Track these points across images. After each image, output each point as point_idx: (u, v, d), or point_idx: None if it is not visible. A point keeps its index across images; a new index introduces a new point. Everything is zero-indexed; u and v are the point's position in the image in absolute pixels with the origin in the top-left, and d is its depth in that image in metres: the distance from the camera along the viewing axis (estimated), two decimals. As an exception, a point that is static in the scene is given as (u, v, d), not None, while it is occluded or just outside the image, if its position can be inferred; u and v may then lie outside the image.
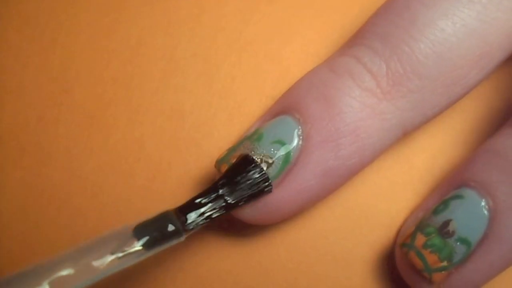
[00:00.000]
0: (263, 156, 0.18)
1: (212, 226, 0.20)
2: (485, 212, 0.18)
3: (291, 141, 0.18)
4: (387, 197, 0.21)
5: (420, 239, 0.18)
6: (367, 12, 0.21)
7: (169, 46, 0.21)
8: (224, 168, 0.18)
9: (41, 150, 0.20)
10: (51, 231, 0.20)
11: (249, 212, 0.18)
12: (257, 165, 0.18)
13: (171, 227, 0.16)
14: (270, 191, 0.18)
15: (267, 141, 0.18)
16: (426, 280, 0.18)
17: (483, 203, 0.18)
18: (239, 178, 0.17)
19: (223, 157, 0.18)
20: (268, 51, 0.21)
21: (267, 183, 0.18)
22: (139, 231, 0.16)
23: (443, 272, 0.18)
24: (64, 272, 0.15)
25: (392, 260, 0.20)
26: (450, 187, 0.19)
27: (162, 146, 0.20)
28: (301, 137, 0.18)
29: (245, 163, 0.18)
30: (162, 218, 0.16)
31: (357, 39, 0.19)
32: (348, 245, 0.20)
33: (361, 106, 0.18)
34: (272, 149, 0.18)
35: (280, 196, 0.18)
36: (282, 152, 0.18)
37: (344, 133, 0.18)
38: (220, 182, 0.17)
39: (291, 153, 0.18)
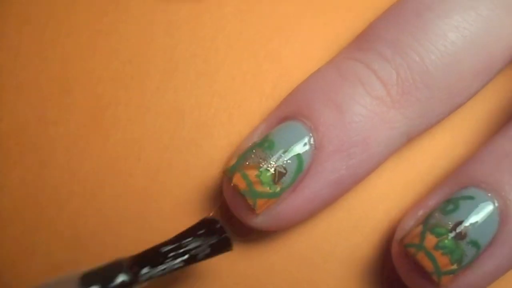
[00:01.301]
0: (276, 166, 0.18)
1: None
2: (496, 215, 0.18)
3: (305, 152, 0.18)
4: (387, 198, 0.21)
5: (431, 240, 0.18)
6: (368, 12, 0.21)
7: (169, 46, 0.21)
8: (238, 178, 0.18)
9: (41, 150, 0.20)
10: (51, 231, 0.20)
11: (262, 221, 0.18)
12: (219, 225, 0.17)
13: (121, 277, 0.15)
14: (230, 249, 0.17)
15: (279, 150, 0.18)
16: (434, 283, 0.18)
17: (494, 206, 0.18)
18: (201, 233, 0.17)
19: (234, 165, 0.18)
20: (268, 51, 0.21)
21: (229, 243, 0.17)
22: (87, 280, 0.15)
23: (451, 275, 0.18)
24: None
25: (392, 261, 0.20)
26: (456, 185, 0.19)
27: (162, 146, 0.20)
28: (312, 146, 0.18)
29: (209, 223, 0.17)
30: (113, 267, 0.16)
31: (366, 43, 0.19)
32: (349, 246, 0.20)
33: (370, 114, 0.18)
34: (285, 159, 0.18)
35: (292, 205, 0.18)
36: (295, 162, 0.18)
37: (355, 143, 0.18)
38: (182, 236, 0.17)
39: (304, 163, 0.18)
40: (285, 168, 0.18)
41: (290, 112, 0.19)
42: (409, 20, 0.19)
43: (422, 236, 0.18)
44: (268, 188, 0.18)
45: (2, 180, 0.20)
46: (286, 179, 0.18)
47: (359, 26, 0.21)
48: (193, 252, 0.17)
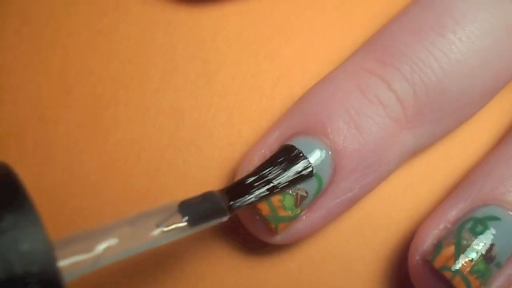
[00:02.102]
0: (298, 190, 0.18)
1: (212, 227, 0.20)
2: None
3: (325, 174, 0.18)
4: (387, 199, 0.21)
5: (466, 264, 0.18)
6: (368, 13, 0.21)
7: (169, 46, 0.21)
8: (262, 203, 0.18)
9: (41, 150, 0.20)
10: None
11: (280, 239, 0.18)
12: (299, 152, 0.18)
13: (216, 206, 0.17)
14: (311, 175, 0.18)
15: None
16: None
17: None
18: (282, 163, 0.18)
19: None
20: (268, 51, 0.21)
21: (310, 169, 0.18)
22: (184, 208, 0.16)
23: None
24: (109, 241, 0.15)
25: (392, 262, 0.20)
26: (477, 201, 0.19)
27: (162, 146, 0.20)
28: (332, 167, 0.18)
29: (287, 151, 0.18)
30: (207, 197, 0.17)
31: (384, 56, 0.19)
32: (349, 247, 0.20)
33: (387, 136, 0.18)
34: (307, 183, 0.18)
35: (308, 223, 0.18)
36: (316, 185, 0.18)
37: (371, 164, 0.18)
38: (265, 166, 0.18)
39: (323, 185, 0.18)
40: (306, 192, 0.18)
41: (308, 126, 0.19)
42: (431, 39, 0.19)
43: (457, 259, 0.18)
44: (290, 212, 0.18)
45: (2, 180, 0.20)
46: (306, 202, 0.18)
47: (359, 26, 0.21)
48: (275, 180, 0.17)
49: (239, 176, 0.18)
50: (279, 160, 0.18)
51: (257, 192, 0.17)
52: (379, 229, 0.20)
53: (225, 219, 0.17)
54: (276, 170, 0.18)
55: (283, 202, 0.18)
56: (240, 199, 0.17)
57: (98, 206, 0.20)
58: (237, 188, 0.17)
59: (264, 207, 0.18)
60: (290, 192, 0.18)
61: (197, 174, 0.20)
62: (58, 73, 0.21)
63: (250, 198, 0.17)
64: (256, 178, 0.17)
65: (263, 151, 0.19)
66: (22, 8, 0.21)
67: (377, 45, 0.19)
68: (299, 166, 0.18)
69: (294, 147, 0.18)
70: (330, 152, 0.18)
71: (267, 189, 0.17)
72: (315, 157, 0.18)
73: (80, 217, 0.20)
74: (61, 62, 0.21)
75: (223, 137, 0.20)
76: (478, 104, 0.20)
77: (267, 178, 0.17)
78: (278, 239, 0.18)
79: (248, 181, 0.17)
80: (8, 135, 0.20)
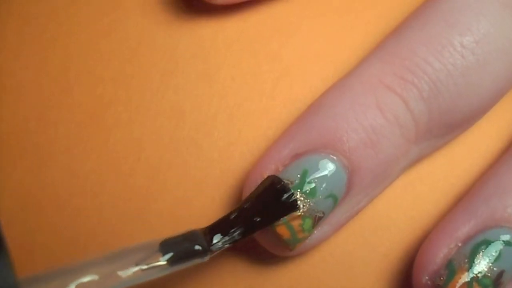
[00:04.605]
0: (316, 212, 0.18)
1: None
2: None
3: (340, 193, 0.18)
4: (387, 198, 0.21)
5: None
6: (368, 13, 0.21)
7: (169, 46, 0.21)
8: (283, 229, 0.18)
9: (41, 150, 0.20)
10: (51, 231, 0.20)
11: (292, 253, 0.19)
12: (284, 186, 0.18)
13: (196, 247, 0.17)
14: (296, 207, 0.18)
15: (321, 196, 0.18)
16: None
17: None
18: (266, 199, 0.18)
19: None
20: (268, 51, 0.21)
21: (295, 204, 0.18)
22: (165, 246, 0.16)
23: None
24: (88, 278, 0.15)
25: (392, 262, 0.20)
26: (490, 221, 0.18)
27: (162, 146, 0.20)
28: (346, 185, 0.18)
29: (271, 184, 0.18)
30: (189, 237, 0.17)
31: (406, 73, 0.18)
32: (349, 247, 0.20)
33: (398, 153, 0.18)
34: (324, 204, 0.18)
35: (319, 237, 0.19)
36: (332, 205, 0.18)
37: (380, 180, 0.19)
38: (246, 204, 0.18)
39: (337, 203, 0.18)
40: (323, 212, 0.18)
41: (323, 142, 0.18)
42: (454, 61, 0.18)
43: (471, 286, 0.18)
44: (308, 234, 0.18)
45: (2, 180, 0.20)
46: (322, 220, 0.18)
47: (360, 26, 0.21)
48: (259, 217, 0.17)
49: (247, 189, 0.18)
50: (264, 194, 0.18)
51: (239, 231, 0.17)
52: (379, 229, 0.20)
53: (206, 259, 0.17)
54: (260, 205, 0.17)
55: (303, 226, 0.18)
56: (222, 239, 0.17)
57: (98, 206, 0.20)
58: (220, 226, 0.17)
59: (284, 232, 0.18)
60: (309, 215, 0.18)
61: (197, 174, 0.20)
62: (58, 73, 0.21)
63: (233, 237, 0.17)
64: (240, 215, 0.17)
65: (275, 166, 0.18)
66: (22, 8, 0.21)
67: (395, 57, 0.19)
68: (285, 199, 0.18)
69: (280, 179, 0.18)
70: (346, 171, 0.18)
71: (251, 226, 0.17)
72: (331, 176, 0.18)
73: (80, 217, 0.20)
74: (61, 62, 0.21)
75: (223, 137, 0.20)
76: (483, 115, 0.20)
77: (251, 214, 0.17)
78: (290, 253, 0.19)
79: (232, 217, 0.17)
80: (8, 135, 0.20)
